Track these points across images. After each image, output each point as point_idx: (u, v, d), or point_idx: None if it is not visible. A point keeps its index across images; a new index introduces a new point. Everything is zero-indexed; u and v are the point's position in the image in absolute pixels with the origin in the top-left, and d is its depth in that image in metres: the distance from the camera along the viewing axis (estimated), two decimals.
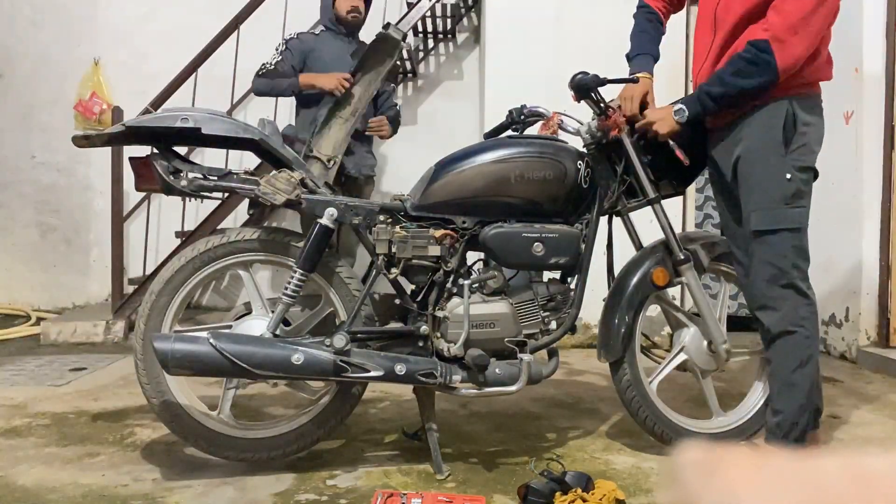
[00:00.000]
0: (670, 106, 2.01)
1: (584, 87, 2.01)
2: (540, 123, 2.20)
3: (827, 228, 3.41)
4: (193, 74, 4.05)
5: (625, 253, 2.23)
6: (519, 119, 2.24)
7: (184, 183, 1.84)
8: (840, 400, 2.76)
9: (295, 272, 1.91)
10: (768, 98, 1.90)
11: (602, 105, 2.06)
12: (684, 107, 1.97)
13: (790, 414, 1.93)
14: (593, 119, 2.14)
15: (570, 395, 2.83)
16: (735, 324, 2.58)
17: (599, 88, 2.04)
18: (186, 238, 3.99)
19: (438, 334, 1.97)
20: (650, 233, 2.23)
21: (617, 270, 2.22)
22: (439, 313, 1.97)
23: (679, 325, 2.22)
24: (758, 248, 1.93)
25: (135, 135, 1.84)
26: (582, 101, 2.08)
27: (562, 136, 2.16)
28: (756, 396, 2.23)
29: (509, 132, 2.26)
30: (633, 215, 2.23)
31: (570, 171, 2.02)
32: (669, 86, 3.48)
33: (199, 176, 1.88)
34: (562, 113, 2.18)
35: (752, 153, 1.93)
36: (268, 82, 3.28)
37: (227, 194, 3.27)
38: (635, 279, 2.12)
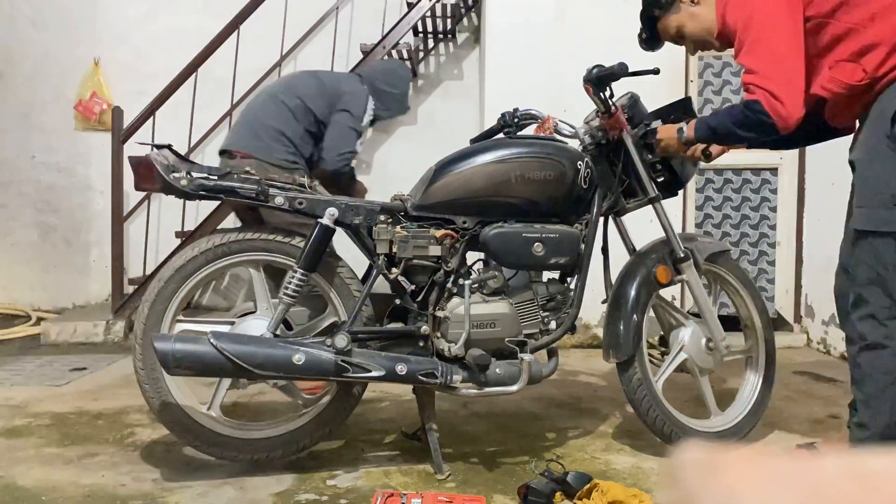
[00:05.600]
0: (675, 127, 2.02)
1: (606, 78, 1.96)
2: (534, 126, 2.18)
3: (827, 228, 3.41)
4: (193, 74, 4.05)
5: (618, 254, 2.23)
6: (511, 122, 2.22)
7: (184, 183, 1.83)
8: (840, 400, 2.75)
9: (295, 272, 1.91)
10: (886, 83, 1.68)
11: (608, 102, 2.05)
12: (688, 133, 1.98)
13: (877, 430, 1.73)
14: (594, 118, 2.14)
15: (570, 395, 2.83)
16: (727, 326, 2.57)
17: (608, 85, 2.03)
18: (186, 238, 3.99)
19: (439, 334, 1.97)
20: (650, 233, 2.23)
21: (613, 272, 2.22)
22: (440, 313, 1.97)
23: (675, 325, 2.22)
24: (859, 249, 1.71)
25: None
26: (582, 101, 2.08)
27: (557, 139, 2.15)
28: (747, 394, 2.26)
29: (501, 136, 2.23)
30: (632, 216, 2.23)
31: (571, 171, 2.02)
32: (669, 86, 3.48)
33: (199, 176, 1.87)
34: (557, 119, 2.16)
35: (863, 145, 1.73)
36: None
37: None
38: (640, 277, 2.11)
